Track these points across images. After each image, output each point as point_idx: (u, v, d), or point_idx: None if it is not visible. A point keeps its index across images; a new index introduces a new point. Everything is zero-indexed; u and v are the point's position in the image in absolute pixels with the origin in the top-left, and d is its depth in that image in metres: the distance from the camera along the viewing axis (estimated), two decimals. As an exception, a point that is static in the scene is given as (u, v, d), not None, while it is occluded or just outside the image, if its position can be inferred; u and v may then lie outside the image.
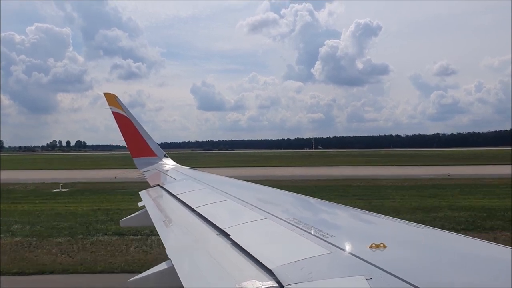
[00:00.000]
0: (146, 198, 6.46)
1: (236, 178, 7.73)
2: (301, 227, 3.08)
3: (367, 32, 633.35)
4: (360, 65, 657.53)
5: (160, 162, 11.04)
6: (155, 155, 11.32)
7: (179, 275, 2.58)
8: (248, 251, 2.66)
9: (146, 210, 5.54)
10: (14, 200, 29.86)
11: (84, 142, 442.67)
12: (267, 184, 6.66)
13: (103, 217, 22.43)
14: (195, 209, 4.42)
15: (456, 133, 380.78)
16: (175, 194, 5.83)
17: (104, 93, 10.91)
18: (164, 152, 11.74)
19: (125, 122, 10.93)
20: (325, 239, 2.69)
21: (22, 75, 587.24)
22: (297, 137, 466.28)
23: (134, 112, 11.27)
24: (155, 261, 14.16)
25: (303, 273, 2.14)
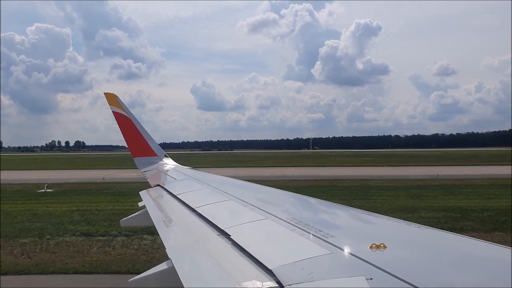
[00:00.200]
0: (147, 198, 6.47)
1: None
2: (301, 227, 3.08)
3: (367, 32, 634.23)
4: (360, 65, 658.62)
5: (160, 162, 11.04)
6: (156, 155, 11.33)
7: (179, 275, 2.58)
8: (249, 251, 2.66)
9: (147, 210, 5.54)
10: (-4, 200, 29.57)
11: (83, 142, 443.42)
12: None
13: (78, 218, 22.43)
14: (196, 209, 4.42)
15: (455, 134, 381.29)
16: (175, 194, 5.83)
17: (105, 93, 10.92)
18: (165, 152, 11.75)
19: (125, 122, 10.93)
20: (325, 239, 2.69)
21: (22, 75, 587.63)
22: (296, 137, 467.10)
23: (134, 112, 11.28)
24: (112, 262, 14.43)
25: (304, 273, 2.14)
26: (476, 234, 17.51)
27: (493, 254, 2.43)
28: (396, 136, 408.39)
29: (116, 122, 10.90)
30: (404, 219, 3.31)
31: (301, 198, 5.06)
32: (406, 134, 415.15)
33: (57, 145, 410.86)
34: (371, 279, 1.96)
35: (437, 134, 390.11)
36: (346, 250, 2.46)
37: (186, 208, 4.72)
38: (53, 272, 13.62)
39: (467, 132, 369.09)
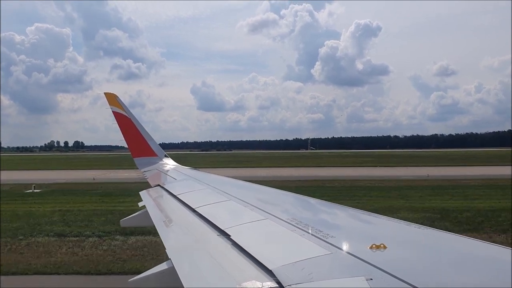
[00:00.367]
0: (147, 198, 6.47)
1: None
2: (301, 227, 3.09)
3: (367, 32, 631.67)
4: (360, 66, 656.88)
5: (160, 162, 11.05)
6: (156, 155, 11.33)
7: (179, 275, 2.59)
8: (249, 252, 2.66)
9: (147, 210, 5.55)
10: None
11: (82, 142, 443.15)
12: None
13: (57, 218, 22.42)
14: (196, 209, 4.42)
15: (454, 134, 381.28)
16: (175, 194, 5.84)
17: (105, 93, 10.92)
18: (165, 152, 11.75)
19: (125, 122, 10.93)
20: (325, 239, 2.69)
21: (22, 75, 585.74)
22: (295, 138, 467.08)
23: (134, 112, 11.26)
24: (75, 263, 14.38)
25: (304, 273, 2.14)
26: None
27: (493, 254, 2.43)
28: (395, 136, 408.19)
29: (116, 122, 10.91)
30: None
31: (301, 199, 5.06)
32: (405, 134, 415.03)
33: (56, 145, 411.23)
34: (371, 279, 1.96)
35: (436, 134, 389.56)
36: (346, 250, 2.47)
37: (186, 208, 4.72)
38: (14, 274, 13.55)
39: (466, 133, 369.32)
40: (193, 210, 4.44)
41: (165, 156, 11.61)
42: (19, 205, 27.38)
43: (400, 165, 71.71)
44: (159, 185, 7.42)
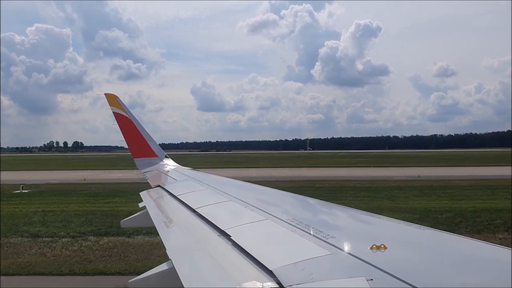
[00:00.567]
0: (147, 198, 6.47)
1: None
2: (301, 228, 3.09)
3: (367, 33, 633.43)
4: (360, 66, 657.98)
5: (161, 163, 11.05)
6: (156, 156, 11.33)
7: (179, 275, 2.59)
8: (249, 252, 2.67)
9: (147, 211, 5.55)
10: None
11: (81, 143, 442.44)
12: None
13: (37, 219, 22.18)
14: (196, 209, 4.42)
15: (454, 134, 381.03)
16: (175, 194, 5.84)
17: (105, 94, 10.92)
18: (165, 153, 11.75)
19: (126, 123, 10.93)
20: (325, 240, 2.70)
21: (22, 75, 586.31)
22: (295, 138, 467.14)
23: (134, 113, 11.25)
24: (40, 264, 14.20)
25: (304, 274, 2.14)
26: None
27: (493, 255, 2.43)
28: (395, 137, 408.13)
29: (116, 123, 10.91)
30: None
31: (301, 199, 5.07)
32: (405, 135, 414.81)
33: (55, 145, 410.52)
34: (372, 280, 1.96)
35: (435, 135, 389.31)
36: (347, 250, 2.47)
37: (187, 209, 4.72)
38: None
39: (466, 133, 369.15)
40: (194, 211, 4.45)
41: (166, 156, 11.61)
42: (3, 206, 26.94)
43: (395, 166, 71.46)
44: (159, 185, 7.42)
